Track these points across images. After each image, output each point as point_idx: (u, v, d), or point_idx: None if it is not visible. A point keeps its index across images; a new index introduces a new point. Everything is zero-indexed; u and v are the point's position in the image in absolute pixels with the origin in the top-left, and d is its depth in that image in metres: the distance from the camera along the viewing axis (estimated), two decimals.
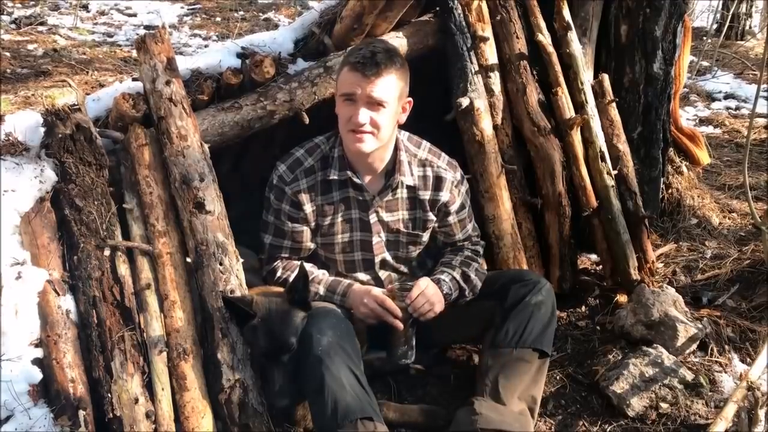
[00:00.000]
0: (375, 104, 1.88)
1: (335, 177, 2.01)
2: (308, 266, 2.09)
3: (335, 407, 1.70)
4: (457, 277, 2.09)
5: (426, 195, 2.10)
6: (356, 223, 2.08)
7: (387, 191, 2.06)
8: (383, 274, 2.16)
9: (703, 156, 3.19)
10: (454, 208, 2.14)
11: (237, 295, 1.87)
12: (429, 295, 1.98)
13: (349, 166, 2.01)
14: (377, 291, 2.02)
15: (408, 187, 2.08)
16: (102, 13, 6.89)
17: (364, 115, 1.87)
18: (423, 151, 2.11)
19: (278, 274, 2.07)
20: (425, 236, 2.18)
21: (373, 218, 2.08)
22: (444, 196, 2.10)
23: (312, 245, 2.11)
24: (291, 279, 2.04)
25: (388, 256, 2.14)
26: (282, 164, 2.04)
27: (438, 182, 2.09)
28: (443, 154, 2.14)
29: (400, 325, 1.98)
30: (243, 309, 1.84)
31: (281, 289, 1.99)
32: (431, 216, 2.13)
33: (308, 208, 2.03)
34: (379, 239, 2.11)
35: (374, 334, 2.20)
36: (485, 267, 2.29)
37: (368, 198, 2.05)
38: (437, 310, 2.00)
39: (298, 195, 2.01)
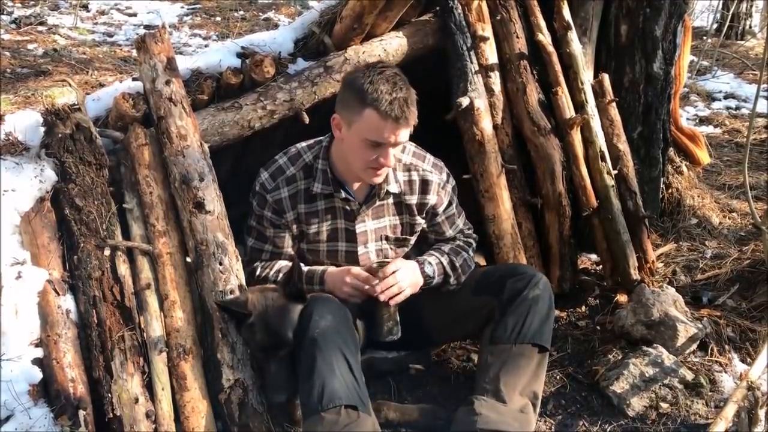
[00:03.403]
0: (399, 144, 1.90)
1: (318, 191, 2.01)
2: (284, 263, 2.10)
3: (321, 390, 1.70)
4: (444, 262, 2.09)
5: (413, 199, 2.10)
6: (342, 234, 2.08)
7: (373, 199, 2.05)
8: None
9: (703, 156, 3.19)
10: (441, 209, 2.14)
11: (229, 298, 1.86)
12: (400, 277, 1.96)
13: (333, 181, 2.00)
14: (356, 269, 2.01)
15: (393, 193, 2.07)
16: (102, 13, 6.89)
17: (392, 157, 1.90)
18: (407, 155, 2.09)
19: (257, 272, 2.08)
20: (413, 240, 2.18)
21: (360, 228, 2.07)
22: (431, 199, 2.10)
23: (291, 251, 2.10)
24: (270, 275, 2.05)
25: (374, 266, 2.13)
26: (264, 171, 2.03)
27: (424, 185, 2.09)
28: (428, 155, 2.13)
29: (382, 296, 1.96)
30: (237, 311, 1.83)
31: None
32: (419, 220, 2.13)
33: (290, 216, 2.03)
34: (365, 250, 2.10)
35: (373, 331, 2.21)
36: (476, 260, 2.29)
37: (354, 208, 2.05)
38: (407, 294, 1.99)
39: (279, 203, 2.01)
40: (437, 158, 2.15)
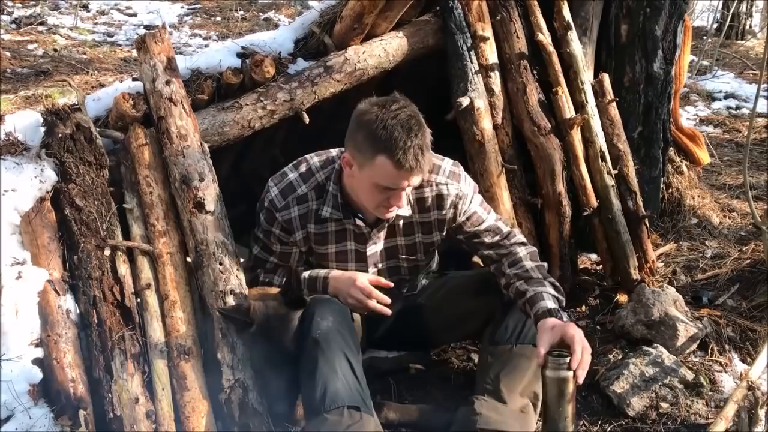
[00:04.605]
0: (411, 186, 1.83)
1: (328, 215, 1.94)
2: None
3: (324, 392, 1.69)
4: (553, 293, 1.85)
5: (427, 217, 2.00)
6: (351, 255, 2.03)
7: (383, 222, 1.98)
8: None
9: (704, 156, 3.19)
10: (465, 218, 2.00)
11: (232, 306, 1.85)
12: (586, 344, 1.67)
13: (344, 206, 1.93)
14: (362, 280, 1.93)
15: (403, 216, 1.99)
16: (102, 13, 6.90)
17: (404, 198, 1.84)
18: None
19: (261, 278, 2.05)
20: (428, 258, 2.13)
21: (370, 250, 2.02)
22: (448, 213, 1.98)
23: (296, 266, 2.06)
24: (275, 280, 2.03)
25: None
26: (274, 186, 1.95)
27: (439, 200, 1.96)
28: (444, 163, 1.98)
29: (388, 312, 1.92)
30: (240, 319, 1.83)
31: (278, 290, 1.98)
32: (434, 238, 2.05)
33: (299, 235, 1.97)
34: (374, 269, 2.06)
35: (373, 331, 2.20)
36: (474, 260, 2.25)
37: (366, 232, 1.98)
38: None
39: (289, 222, 1.95)
40: (455, 163, 2.00)
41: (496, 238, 2.00)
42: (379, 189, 1.79)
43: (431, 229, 2.02)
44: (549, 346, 1.66)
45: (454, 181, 1.97)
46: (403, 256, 2.07)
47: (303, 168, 1.96)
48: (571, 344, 1.64)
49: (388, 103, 1.76)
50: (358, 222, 1.95)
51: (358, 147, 1.78)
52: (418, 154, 1.72)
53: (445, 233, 2.05)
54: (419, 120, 1.76)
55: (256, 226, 2.04)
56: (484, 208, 2.04)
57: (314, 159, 1.98)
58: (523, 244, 2.00)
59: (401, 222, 2.00)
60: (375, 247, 2.03)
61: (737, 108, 5.25)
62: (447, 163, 1.98)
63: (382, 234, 2.02)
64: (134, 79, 2.12)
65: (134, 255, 1.89)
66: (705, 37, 6.76)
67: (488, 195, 2.42)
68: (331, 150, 1.99)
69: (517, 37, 2.51)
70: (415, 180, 1.79)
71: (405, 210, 1.95)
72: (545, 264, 1.97)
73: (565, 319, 1.75)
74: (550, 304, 1.79)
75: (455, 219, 2.00)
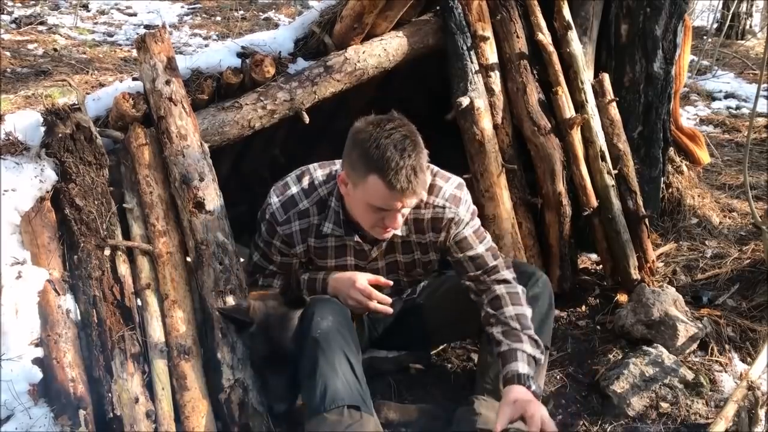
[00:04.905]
0: (407, 208, 1.79)
1: (329, 231, 1.92)
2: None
3: (324, 391, 1.69)
4: (530, 351, 1.80)
5: (423, 238, 1.97)
6: (351, 269, 2.01)
7: (381, 242, 1.97)
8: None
9: (704, 155, 3.19)
10: (451, 243, 1.95)
11: (231, 305, 1.85)
12: (548, 422, 1.66)
13: (345, 223, 1.91)
14: (362, 281, 1.92)
15: (401, 235, 1.96)
16: (102, 13, 6.90)
17: (399, 220, 1.80)
18: None
19: (260, 283, 2.05)
20: (425, 275, 2.13)
21: (371, 266, 2.02)
22: (441, 236, 1.94)
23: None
24: (273, 284, 2.03)
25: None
26: (276, 198, 1.91)
27: (435, 223, 1.92)
28: (447, 183, 1.91)
29: (389, 311, 1.92)
30: (240, 319, 1.83)
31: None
32: (430, 258, 2.04)
33: (299, 248, 1.96)
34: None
35: (373, 331, 2.20)
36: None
37: (366, 249, 1.97)
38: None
39: (289, 236, 1.93)
40: (460, 184, 1.94)
41: (478, 272, 1.94)
42: (373, 209, 1.76)
43: (428, 250, 2.01)
44: (508, 421, 1.65)
45: (452, 205, 1.90)
46: (403, 272, 2.07)
47: (306, 182, 1.92)
48: (528, 425, 1.63)
49: (383, 121, 1.72)
50: (357, 239, 1.94)
51: (352, 165, 1.75)
52: (411, 175, 1.67)
53: (439, 254, 2.05)
54: (414, 140, 1.71)
55: (256, 233, 2.02)
56: (477, 236, 1.97)
57: (318, 172, 1.94)
58: (504, 281, 1.93)
59: (399, 240, 1.98)
60: (375, 264, 2.02)
61: (737, 108, 5.26)
62: (450, 185, 1.92)
63: (382, 250, 2.01)
64: (134, 79, 2.12)
65: (134, 255, 1.89)
66: (705, 37, 6.76)
67: (488, 195, 2.43)
68: (336, 162, 1.95)
69: (517, 36, 2.51)
70: (410, 202, 1.74)
71: (401, 229, 1.92)
72: (528, 312, 1.89)
73: (533, 388, 1.73)
74: (522, 367, 1.76)
75: (446, 242, 1.96)
